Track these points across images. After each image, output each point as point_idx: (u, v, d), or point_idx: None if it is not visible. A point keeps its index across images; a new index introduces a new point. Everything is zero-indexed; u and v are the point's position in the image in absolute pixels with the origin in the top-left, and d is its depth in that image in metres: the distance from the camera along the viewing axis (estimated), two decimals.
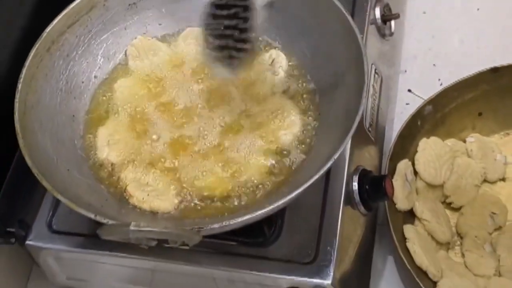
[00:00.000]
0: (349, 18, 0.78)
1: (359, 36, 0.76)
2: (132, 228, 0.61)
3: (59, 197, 0.68)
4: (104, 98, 0.83)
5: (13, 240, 0.81)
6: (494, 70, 0.98)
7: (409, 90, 1.05)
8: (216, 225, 0.65)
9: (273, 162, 0.76)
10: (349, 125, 0.70)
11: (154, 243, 0.66)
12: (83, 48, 0.84)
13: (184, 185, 0.75)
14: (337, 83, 0.79)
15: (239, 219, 0.66)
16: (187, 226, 0.66)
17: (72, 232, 0.81)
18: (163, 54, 0.86)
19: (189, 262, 0.77)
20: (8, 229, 0.80)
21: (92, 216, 0.66)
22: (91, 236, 0.80)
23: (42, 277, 0.89)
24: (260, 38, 0.84)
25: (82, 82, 0.83)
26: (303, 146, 0.78)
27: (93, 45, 0.85)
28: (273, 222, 0.78)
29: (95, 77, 0.84)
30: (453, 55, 1.09)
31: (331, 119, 0.78)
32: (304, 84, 0.82)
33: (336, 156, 0.68)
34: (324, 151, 0.73)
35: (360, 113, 0.71)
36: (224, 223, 0.65)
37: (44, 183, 0.69)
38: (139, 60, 0.85)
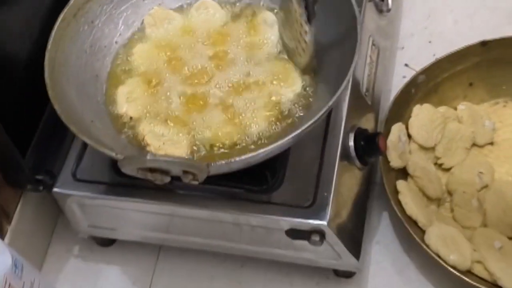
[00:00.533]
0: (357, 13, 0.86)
1: (356, 8, 0.85)
2: (149, 157, 0.69)
3: (85, 138, 0.76)
4: (124, 60, 0.91)
5: (41, 187, 0.89)
6: (483, 44, 1.06)
7: (406, 65, 1.13)
8: (223, 162, 0.74)
9: (277, 115, 0.85)
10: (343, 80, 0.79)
11: (168, 179, 0.74)
12: (105, 16, 0.92)
13: (196, 136, 0.84)
14: (334, 47, 0.87)
15: (244, 157, 0.74)
16: None
17: (94, 181, 0.89)
18: (177, 23, 0.94)
19: (199, 206, 0.85)
20: (37, 177, 0.89)
21: (113, 154, 0.75)
22: (111, 184, 0.88)
23: (67, 227, 0.98)
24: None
25: (105, 46, 0.92)
26: (303, 102, 0.86)
27: (114, 14, 0.93)
28: (276, 171, 0.86)
29: (116, 42, 0.93)
30: (447, 34, 1.16)
31: (329, 79, 0.86)
32: None
33: (331, 103, 0.76)
34: (322, 107, 0.82)
35: (351, 69, 0.79)
36: (231, 160, 0.74)
37: (71, 127, 0.77)
38: (155, 28, 0.94)
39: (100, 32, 0.92)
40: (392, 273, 0.94)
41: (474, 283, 0.85)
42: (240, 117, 0.84)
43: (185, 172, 0.73)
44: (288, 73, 0.88)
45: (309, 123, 0.76)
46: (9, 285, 0.82)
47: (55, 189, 0.89)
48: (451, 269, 0.87)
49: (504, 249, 0.90)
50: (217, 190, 0.86)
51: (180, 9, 0.97)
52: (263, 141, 0.83)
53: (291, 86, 0.87)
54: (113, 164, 0.88)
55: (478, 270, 0.88)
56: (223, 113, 0.85)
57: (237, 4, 0.96)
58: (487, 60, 1.06)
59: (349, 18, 0.85)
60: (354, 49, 0.80)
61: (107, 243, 1.01)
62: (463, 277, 0.86)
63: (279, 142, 0.75)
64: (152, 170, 0.73)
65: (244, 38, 0.92)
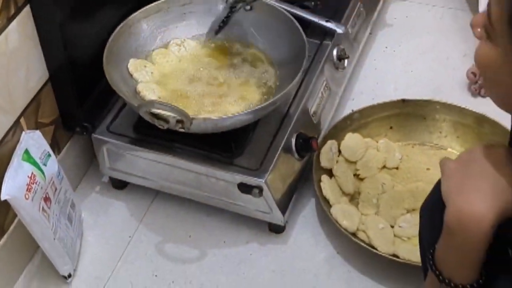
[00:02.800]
0: (306, 42, 1.33)
1: (307, 52, 1.31)
2: (155, 104, 1.14)
3: (121, 94, 1.22)
4: (154, 61, 1.39)
5: (85, 132, 1.34)
6: (404, 101, 1.51)
7: (352, 110, 1.58)
8: (201, 117, 1.19)
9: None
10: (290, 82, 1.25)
11: (166, 125, 1.18)
12: (149, 32, 1.40)
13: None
14: (290, 68, 1.33)
15: (214, 118, 1.20)
16: None
17: (121, 134, 1.34)
18: (192, 47, 1.42)
19: (186, 159, 1.29)
20: (84, 123, 1.34)
21: (136, 104, 1.20)
22: (131, 138, 1.33)
23: (95, 171, 1.43)
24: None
25: (144, 50, 1.39)
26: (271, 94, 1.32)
27: (155, 32, 1.41)
28: (239, 144, 1.30)
29: (152, 50, 1.40)
30: (387, 96, 1.61)
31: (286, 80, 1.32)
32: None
33: (275, 99, 1.22)
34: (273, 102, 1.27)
35: (296, 80, 1.25)
36: (205, 117, 1.19)
37: (114, 88, 1.23)
38: (178, 48, 1.41)
39: (143, 41, 1.40)
40: (309, 235, 1.36)
41: (356, 240, 1.27)
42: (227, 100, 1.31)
43: (177, 121, 1.17)
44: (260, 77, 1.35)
45: (257, 107, 1.21)
46: (53, 183, 1.26)
47: (94, 135, 1.35)
48: (343, 230, 1.29)
49: (384, 229, 1.32)
50: (199, 152, 1.31)
51: (196, 38, 1.45)
52: None
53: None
54: (134, 125, 1.34)
55: (361, 235, 1.30)
56: (212, 99, 1.31)
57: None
58: (404, 113, 1.51)
59: (302, 55, 1.31)
60: (299, 72, 1.26)
61: (120, 186, 1.45)
62: (350, 236, 1.28)
63: (238, 115, 1.20)
64: (156, 116, 1.18)
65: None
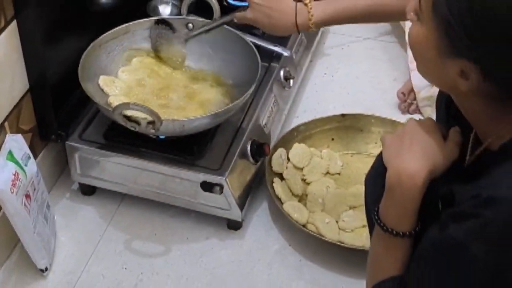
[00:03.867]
0: (259, 62, 1.51)
1: (259, 69, 1.49)
2: (130, 105, 1.29)
3: (96, 101, 1.37)
4: (121, 77, 1.54)
5: (59, 140, 1.47)
6: (343, 115, 1.70)
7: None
8: (169, 119, 1.34)
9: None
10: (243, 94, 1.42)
11: (138, 127, 1.33)
12: (118, 51, 1.56)
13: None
14: (245, 82, 1.50)
15: (182, 119, 1.36)
16: None
17: (92, 141, 1.48)
18: (155, 65, 1.58)
19: (153, 161, 1.44)
20: (59, 132, 1.47)
21: (110, 109, 1.34)
22: (101, 145, 1.47)
23: (66, 179, 1.56)
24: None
25: (113, 67, 1.55)
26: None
27: (122, 51, 1.57)
28: (201, 147, 1.46)
29: (122, 65, 1.56)
30: (327, 113, 1.80)
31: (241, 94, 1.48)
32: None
33: (229, 107, 1.39)
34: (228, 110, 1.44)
35: (249, 92, 1.42)
36: (174, 119, 1.35)
37: (90, 95, 1.38)
38: (141, 62, 1.57)
39: (111, 58, 1.55)
40: (263, 231, 1.52)
41: (306, 230, 1.44)
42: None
43: (148, 123, 1.32)
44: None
45: (218, 111, 1.38)
46: (32, 182, 1.38)
47: (67, 143, 1.49)
48: (294, 221, 1.45)
49: (329, 223, 1.49)
50: (164, 155, 1.46)
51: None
52: None
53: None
54: (104, 133, 1.49)
55: (311, 227, 1.47)
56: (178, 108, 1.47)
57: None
58: (344, 126, 1.70)
59: (255, 73, 1.49)
60: (251, 87, 1.44)
61: (89, 192, 1.57)
62: (301, 227, 1.45)
63: (201, 117, 1.37)
64: (129, 119, 1.33)
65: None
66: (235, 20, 1.46)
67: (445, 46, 0.86)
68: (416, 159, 0.94)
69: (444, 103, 1.07)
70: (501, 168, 0.86)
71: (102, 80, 1.51)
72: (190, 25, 1.61)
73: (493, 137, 0.91)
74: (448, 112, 1.05)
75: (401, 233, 0.96)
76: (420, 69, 0.95)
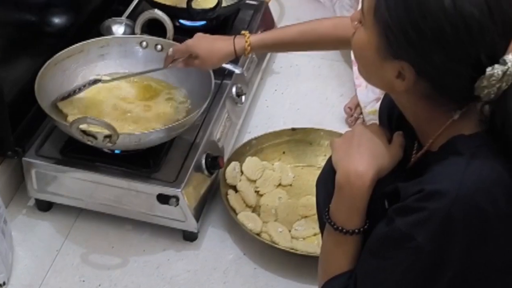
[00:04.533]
0: (213, 78, 1.56)
1: (213, 85, 1.55)
2: (88, 120, 1.32)
3: (53, 116, 1.40)
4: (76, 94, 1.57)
5: (16, 156, 1.49)
6: (293, 129, 1.77)
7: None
8: (126, 133, 1.38)
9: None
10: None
11: (94, 142, 1.37)
12: (73, 69, 1.59)
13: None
14: (199, 99, 1.55)
15: (137, 133, 1.40)
16: None
17: (48, 157, 1.51)
18: (110, 83, 1.62)
19: (109, 175, 1.47)
20: (16, 148, 1.49)
21: (67, 123, 1.37)
22: (57, 160, 1.50)
23: (23, 194, 1.57)
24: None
25: (69, 85, 1.58)
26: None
27: (77, 69, 1.61)
28: (156, 161, 1.50)
29: (75, 85, 1.59)
30: (278, 128, 1.86)
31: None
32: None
33: (182, 121, 1.43)
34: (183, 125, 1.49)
35: (203, 107, 1.47)
36: (130, 133, 1.38)
37: (47, 112, 1.41)
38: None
39: (67, 77, 1.59)
40: (218, 241, 1.56)
41: (260, 239, 1.49)
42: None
43: (105, 137, 1.36)
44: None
45: (173, 124, 1.43)
46: None
47: (24, 158, 1.51)
48: (248, 231, 1.50)
49: (282, 232, 1.54)
50: (121, 169, 1.49)
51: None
52: None
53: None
54: (61, 148, 1.51)
55: (264, 236, 1.52)
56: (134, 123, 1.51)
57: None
58: (294, 139, 1.76)
59: (209, 90, 1.54)
60: (205, 102, 1.50)
61: (45, 208, 1.59)
62: (255, 236, 1.50)
63: (155, 131, 1.41)
64: (86, 133, 1.36)
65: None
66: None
67: (384, 48, 0.93)
68: (364, 160, 1.00)
69: (386, 115, 1.14)
70: (442, 165, 0.93)
71: (60, 104, 1.54)
72: (144, 43, 1.66)
73: (433, 139, 0.98)
74: (389, 122, 1.12)
75: (350, 230, 1.01)
76: (362, 72, 1.02)
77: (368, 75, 1.01)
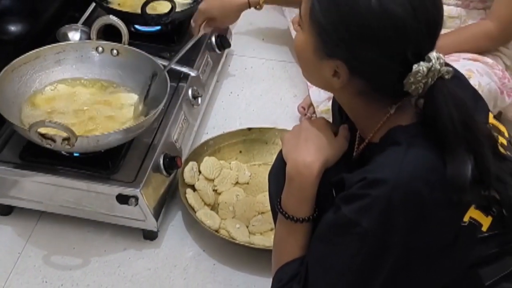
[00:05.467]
0: (168, 81, 1.60)
1: (168, 87, 1.59)
2: (46, 123, 1.36)
3: (12, 121, 1.43)
4: (34, 99, 1.60)
5: None
6: (249, 129, 1.82)
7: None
8: (84, 136, 1.42)
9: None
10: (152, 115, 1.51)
11: (53, 145, 1.40)
12: (30, 75, 1.62)
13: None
14: (155, 101, 1.59)
15: (92, 135, 1.43)
16: None
17: (7, 161, 1.53)
18: (66, 88, 1.65)
19: (69, 177, 1.51)
20: None
21: (26, 127, 1.40)
22: (16, 164, 1.52)
23: None
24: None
25: (25, 91, 1.61)
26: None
27: (34, 75, 1.63)
28: (115, 163, 1.54)
29: (32, 90, 1.62)
30: (233, 129, 1.91)
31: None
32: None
33: (139, 123, 1.48)
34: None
35: (159, 109, 1.52)
36: (87, 136, 1.42)
37: (6, 117, 1.44)
38: (55, 90, 1.64)
39: (25, 83, 1.61)
40: (178, 239, 1.60)
41: (218, 235, 1.53)
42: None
43: (63, 139, 1.39)
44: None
45: (130, 126, 1.47)
46: None
47: None
48: (207, 228, 1.54)
49: (240, 228, 1.59)
50: (80, 171, 1.52)
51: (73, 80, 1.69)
52: None
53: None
54: (20, 153, 1.54)
55: (222, 232, 1.57)
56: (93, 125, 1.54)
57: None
58: (250, 139, 1.81)
59: (164, 92, 1.58)
60: (161, 104, 1.54)
61: (6, 212, 1.61)
62: (214, 232, 1.54)
63: (114, 132, 1.45)
64: (44, 136, 1.39)
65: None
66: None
67: (320, 48, 0.99)
68: (311, 152, 1.05)
69: (337, 110, 1.20)
70: (383, 155, 0.99)
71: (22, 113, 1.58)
72: (100, 48, 1.69)
73: (374, 132, 1.04)
74: (341, 116, 1.18)
75: (301, 218, 1.07)
76: (304, 72, 1.08)
77: (309, 75, 1.07)
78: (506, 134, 1.12)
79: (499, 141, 1.06)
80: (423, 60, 0.94)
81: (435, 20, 0.96)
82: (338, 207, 1.00)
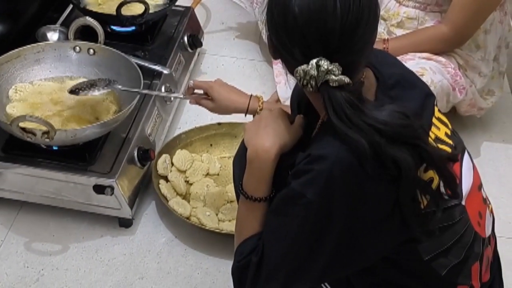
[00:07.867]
0: (142, 78, 1.70)
1: (142, 84, 1.69)
2: (27, 117, 1.45)
3: None
4: (15, 95, 1.70)
5: None
6: (219, 124, 1.92)
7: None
8: (63, 130, 1.51)
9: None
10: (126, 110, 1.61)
11: (34, 138, 1.50)
12: (11, 73, 1.72)
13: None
14: (129, 97, 1.70)
15: (71, 129, 1.53)
16: None
17: None
18: (46, 85, 1.75)
19: (49, 169, 1.60)
20: None
21: (8, 122, 1.50)
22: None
23: None
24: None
25: (7, 87, 1.70)
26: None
27: (15, 73, 1.73)
28: (92, 155, 1.64)
29: (14, 87, 1.71)
30: (204, 123, 2.01)
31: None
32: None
33: (114, 118, 1.58)
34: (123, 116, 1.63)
35: (133, 104, 1.62)
36: (66, 129, 1.52)
37: None
38: (35, 87, 1.74)
39: (6, 80, 1.71)
40: (151, 227, 1.71)
41: (189, 222, 1.64)
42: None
43: (43, 133, 1.49)
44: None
45: (106, 120, 1.57)
46: None
47: None
48: (179, 215, 1.65)
49: (210, 216, 1.70)
50: (59, 164, 1.62)
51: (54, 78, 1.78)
52: None
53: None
54: (2, 147, 1.63)
55: (193, 219, 1.67)
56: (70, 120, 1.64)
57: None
58: (220, 133, 1.92)
59: (138, 88, 1.69)
60: (133, 102, 1.64)
61: None
62: (185, 220, 1.65)
63: (92, 126, 1.55)
64: (25, 130, 1.49)
65: None
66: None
67: (276, 51, 1.11)
68: (270, 138, 1.16)
69: (296, 102, 1.31)
70: (324, 136, 1.09)
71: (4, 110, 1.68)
72: (78, 48, 1.79)
73: (321, 118, 1.15)
74: (299, 108, 1.29)
75: (259, 198, 1.18)
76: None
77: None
78: (450, 126, 1.23)
79: (444, 131, 1.18)
80: (307, 63, 1.05)
81: (329, 31, 1.04)
82: (289, 183, 1.10)
